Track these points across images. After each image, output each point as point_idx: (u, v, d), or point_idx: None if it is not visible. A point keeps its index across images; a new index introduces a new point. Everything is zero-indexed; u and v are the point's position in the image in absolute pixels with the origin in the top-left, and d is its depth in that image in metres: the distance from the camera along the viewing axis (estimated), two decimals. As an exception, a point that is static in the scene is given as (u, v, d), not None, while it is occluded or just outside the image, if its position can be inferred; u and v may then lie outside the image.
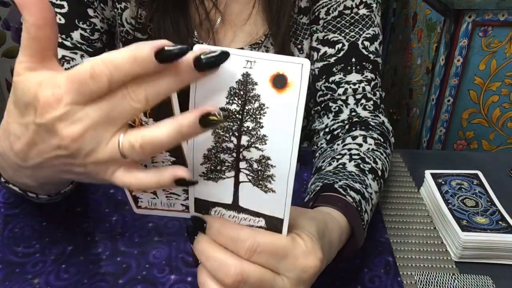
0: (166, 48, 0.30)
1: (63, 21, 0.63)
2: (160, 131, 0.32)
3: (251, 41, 0.69)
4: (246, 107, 0.34)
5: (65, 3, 0.63)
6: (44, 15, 0.32)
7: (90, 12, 0.65)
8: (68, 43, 0.64)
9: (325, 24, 0.70)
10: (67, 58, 0.63)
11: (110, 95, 0.31)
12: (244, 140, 0.35)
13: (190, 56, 0.31)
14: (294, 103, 0.33)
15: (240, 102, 0.34)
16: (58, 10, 0.63)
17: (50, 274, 0.52)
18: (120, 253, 0.55)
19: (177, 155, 0.40)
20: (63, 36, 0.63)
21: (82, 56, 0.65)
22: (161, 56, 0.30)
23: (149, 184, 0.34)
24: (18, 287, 0.50)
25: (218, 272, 0.36)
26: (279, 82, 0.33)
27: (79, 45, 0.64)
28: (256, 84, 0.33)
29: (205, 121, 0.32)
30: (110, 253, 0.55)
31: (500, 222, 0.58)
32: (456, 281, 0.54)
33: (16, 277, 0.51)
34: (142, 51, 0.30)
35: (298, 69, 0.32)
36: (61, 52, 0.63)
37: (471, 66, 1.23)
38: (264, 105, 0.34)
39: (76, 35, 0.64)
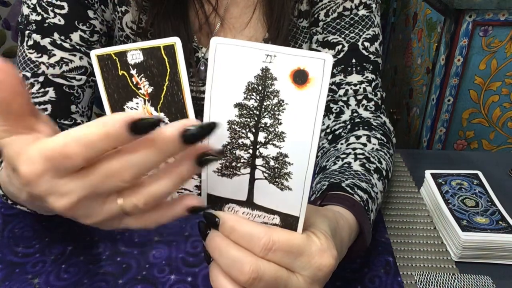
0: (140, 119, 0.30)
1: (62, 22, 0.63)
2: (161, 187, 0.33)
3: None
4: (264, 103, 0.33)
5: (65, 4, 0.62)
6: (13, 90, 0.31)
7: (90, 13, 0.64)
8: (67, 45, 0.63)
9: (324, 26, 0.70)
10: (65, 60, 0.63)
11: (91, 173, 0.31)
12: (262, 136, 0.34)
13: (175, 128, 0.31)
14: (314, 100, 0.32)
15: (258, 97, 0.33)
16: (58, 10, 0.62)
17: (50, 274, 0.52)
18: (120, 253, 0.55)
19: None
20: (62, 37, 0.63)
21: (81, 58, 0.64)
22: (135, 129, 0.30)
23: (163, 221, 0.35)
24: (18, 287, 0.50)
25: (232, 269, 0.35)
26: (300, 77, 0.32)
27: (78, 47, 0.64)
28: (275, 79, 0.33)
29: (203, 162, 0.33)
30: (110, 253, 0.55)
31: (500, 222, 0.58)
32: (456, 281, 0.54)
33: (16, 277, 0.51)
34: (114, 126, 0.30)
35: (320, 64, 0.31)
36: (59, 54, 0.63)
37: (472, 66, 1.23)
38: (283, 101, 0.33)
39: (75, 36, 0.63)
